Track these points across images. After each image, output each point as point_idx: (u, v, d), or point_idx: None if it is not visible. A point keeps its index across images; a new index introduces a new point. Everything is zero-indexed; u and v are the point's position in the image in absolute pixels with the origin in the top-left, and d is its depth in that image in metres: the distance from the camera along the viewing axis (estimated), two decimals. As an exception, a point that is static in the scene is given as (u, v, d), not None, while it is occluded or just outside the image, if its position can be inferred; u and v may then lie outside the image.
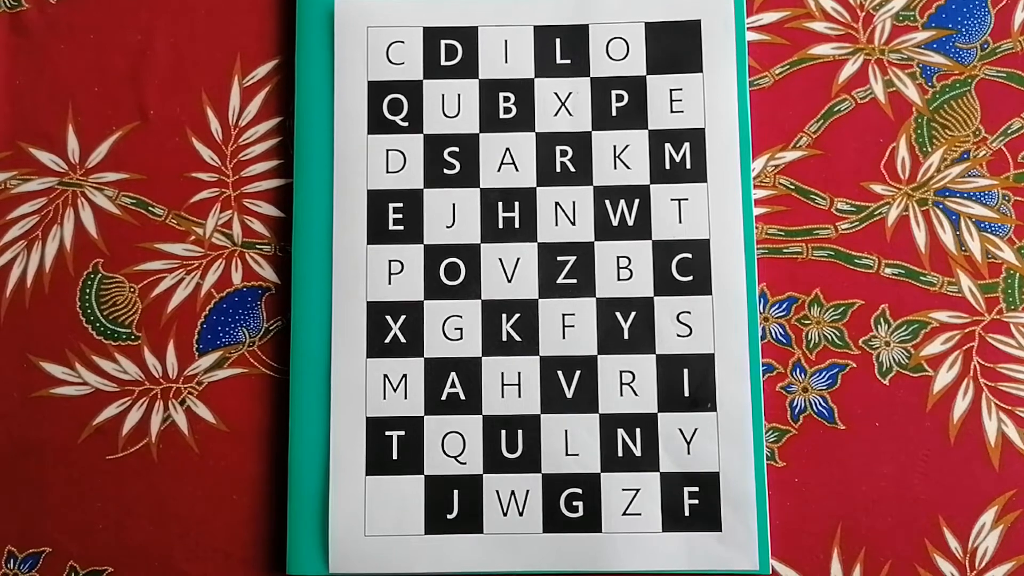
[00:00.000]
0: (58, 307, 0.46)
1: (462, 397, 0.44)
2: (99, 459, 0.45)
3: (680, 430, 0.44)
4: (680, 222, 0.45)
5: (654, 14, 0.46)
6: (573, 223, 0.45)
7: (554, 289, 0.45)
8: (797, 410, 0.45)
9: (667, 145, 0.45)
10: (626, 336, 0.44)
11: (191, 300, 0.46)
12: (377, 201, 0.45)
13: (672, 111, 0.46)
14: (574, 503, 0.43)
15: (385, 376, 0.44)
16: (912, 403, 0.45)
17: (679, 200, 0.45)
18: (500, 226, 0.45)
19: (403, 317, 0.45)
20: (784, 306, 0.46)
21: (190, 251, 0.46)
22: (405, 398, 0.44)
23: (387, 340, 0.44)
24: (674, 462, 0.44)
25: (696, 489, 0.43)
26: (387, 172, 0.46)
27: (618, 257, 0.45)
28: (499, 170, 0.45)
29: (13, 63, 0.48)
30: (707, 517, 0.43)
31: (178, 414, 0.45)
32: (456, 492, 0.44)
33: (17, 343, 0.46)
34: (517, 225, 0.45)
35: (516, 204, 0.45)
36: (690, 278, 0.44)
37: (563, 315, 0.45)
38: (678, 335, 0.44)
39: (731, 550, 0.43)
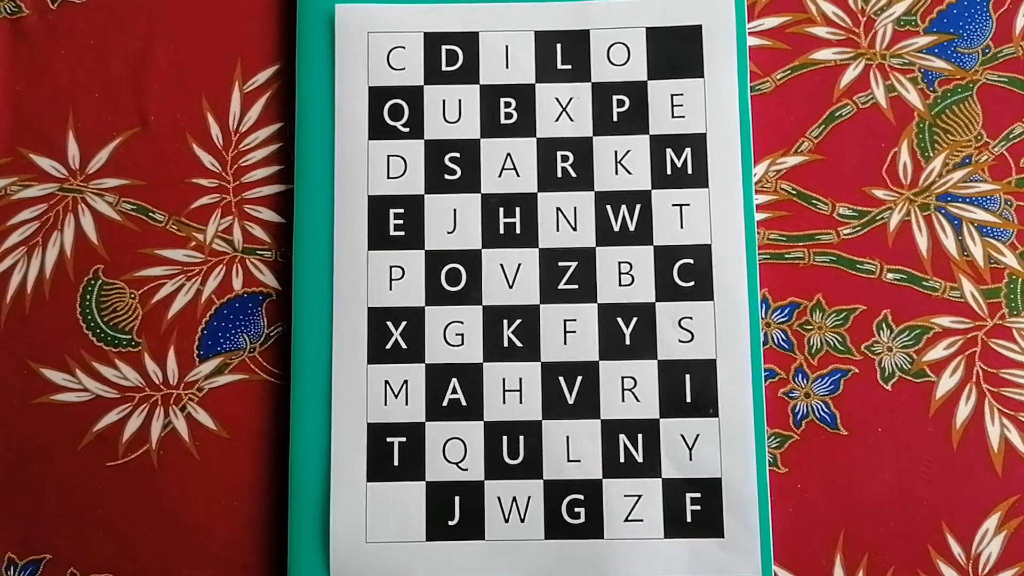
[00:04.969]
0: (58, 313, 0.46)
1: (463, 403, 0.44)
2: (100, 466, 0.45)
3: (682, 436, 0.44)
4: (681, 227, 0.45)
5: (655, 19, 0.46)
6: (574, 228, 0.45)
7: (555, 294, 0.45)
8: (799, 416, 0.45)
9: (668, 150, 0.45)
10: (627, 341, 0.44)
11: (192, 306, 0.46)
12: (378, 207, 0.45)
13: (673, 116, 0.46)
14: (576, 509, 0.43)
15: (386, 382, 0.44)
16: (914, 408, 0.45)
17: (680, 205, 0.45)
18: (501, 231, 0.45)
19: (404, 323, 0.44)
20: (786, 311, 0.46)
21: (191, 257, 0.46)
22: (406, 404, 0.44)
23: (388, 346, 0.44)
24: (676, 468, 0.44)
25: (698, 495, 0.43)
26: (388, 178, 0.45)
27: (619, 262, 0.45)
28: (500, 175, 0.45)
29: (13, 69, 0.48)
30: (709, 523, 0.43)
31: (179, 420, 0.45)
32: (457, 498, 0.43)
33: (17, 350, 0.46)
34: (518, 230, 0.45)
35: (517, 209, 0.45)
36: (692, 283, 0.44)
37: (564, 321, 0.44)
38: (680, 340, 0.44)
39: (733, 556, 0.43)
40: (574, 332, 0.44)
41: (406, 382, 0.44)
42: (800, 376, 0.45)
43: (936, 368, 0.45)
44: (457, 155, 0.46)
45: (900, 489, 0.44)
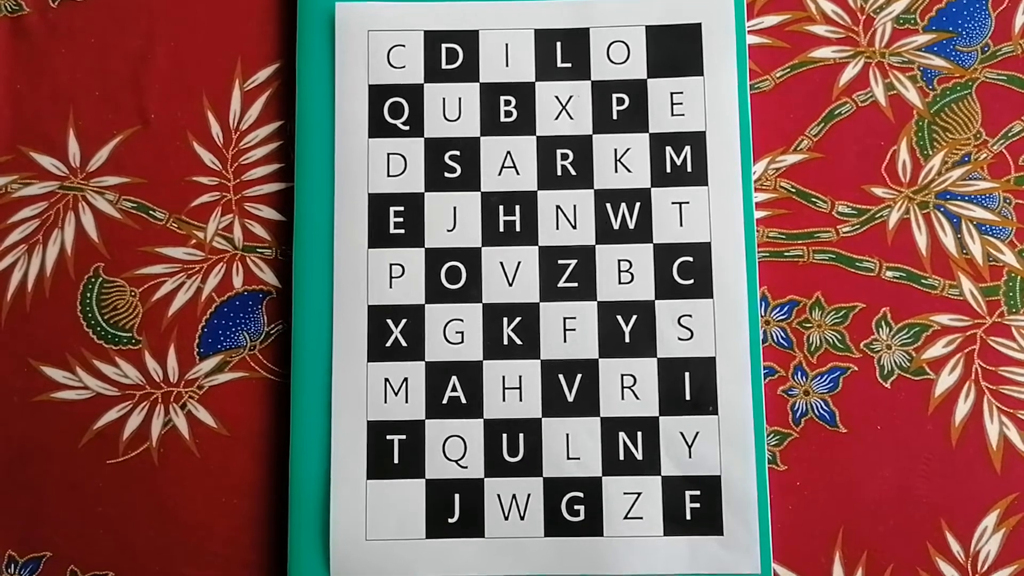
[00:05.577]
0: (59, 311, 0.46)
1: (463, 401, 0.44)
2: (100, 463, 0.45)
3: (681, 433, 0.44)
4: (681, 225, 0.45)
5: (654, 17, 0.46)
6: (574, 227, 0.45)
7: (555, 292, 0.45)
8: (798, 413, 0.45)
9: (668, 148, 0.45)
10: (627, 339, 0.44)
11: (192, 304, 0.46)
12: (378, 205, 0.45)
13: (673, 114, 0.46)
14: (575, 507, 0.43)
15: (386, 380, 0.44)
16: (914, 406, 0.45)
17: (680, 203, 0.45)
18: (501, 229, 0.45)
19: (404, 321, 0.45)
20: (785, 309, 0.46)
21: (191, 255, 0.46)
22: (406, 402, 0.44)
23: (388, 344, 0.44)
24: (675, 465, 0.44)
25: (698, 492, 0.43)
26: (388, 176, 0.46)
27: (619, 260, 0.45)
28: (500, 174, 0.45)
29: (14, 67, 0.48)
30: (709, 520, 0.43)
31: (179, 418, 0.45)
32: (457, 496, 0.43)
33: (18, 347, 0.46)
34: (518, 228, 0.45)
35: (517, 207, 0.45)
36: (691, 281, 0.44)
37: (564, 318, 0.44)
38: (679, 338, 0.44)
39: (733, 553, 0.43)
40: (574, 330, 0.44)
41: (406, 380, 0.44)
42: (799, 374, 0.45)
43: (935, 366, 0.45)
44: (457, 153, 0.46)
45: (899, 487, 0.44)
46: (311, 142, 0.46)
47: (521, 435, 0.44)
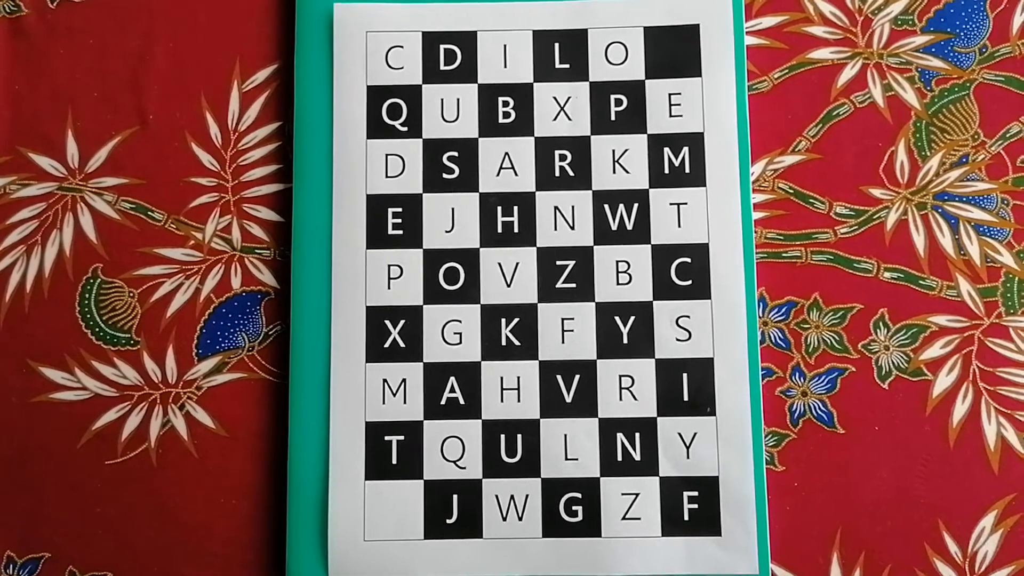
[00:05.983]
0: (57, 312, 0.46)
1: (461, 402, 0.44)
2: (98, 464, 0.45)
3: (679, 434, 0.44)
4: (679, 226, 0.45)
5: (653, 18, 0.46)
6: (572, 227, 0.45)
7: (553, 293, 0.45)
8: (796, 414, 0.45)
9: (666, 149, 0.45)
10: (625, 340, 0.44)
11: (190, 305, 0.46)
12: (376, 206, 0.45)
13: (671, 115, 0.46)
14: (573, 507, 0.43)
15: (384, 381, 0.44)
16: (911, 407, 0.45)
17: (678, 204, 0.45)
18: (499, 230, 0.45)
19: (402, 322, 0.45)
20: (783, 310, 0.46)
21: (189, 256, 0.46)
22: (404, 403, 0.44)
23: (386, 345, 0.44)
24: (673, 466, 0.44)
25: (696, 493, 0.43)
26: (386, 177, 0.46)
27: (617, 261, 0.45)
28: (498, 175, 0.46)
29: (12, 68, 0.48)
30: (707, 521, 0.43)
31: (177, 419, 0.45)
32: (456, 497, 0.44)
33: (16, 348, 0.46)
34: (516, 229, 0.45)
35: (515, 208, 0.45)
36: (689, 282, 0.45)
37: (562, 319, 0.45)
38: (677, 339, 0.44)
39: (731, 554, 0.43)
40: (572, 331, 0.44)
41: (404, 380, 0.44)
42: (797, 375, 0.45)
43: (933, 367, 0.45)
44: (455, 154, 0.46)
45: (897, 487, 0.44)
46: (309, 143, 0.46)
47: (519, 436, 0.44)
